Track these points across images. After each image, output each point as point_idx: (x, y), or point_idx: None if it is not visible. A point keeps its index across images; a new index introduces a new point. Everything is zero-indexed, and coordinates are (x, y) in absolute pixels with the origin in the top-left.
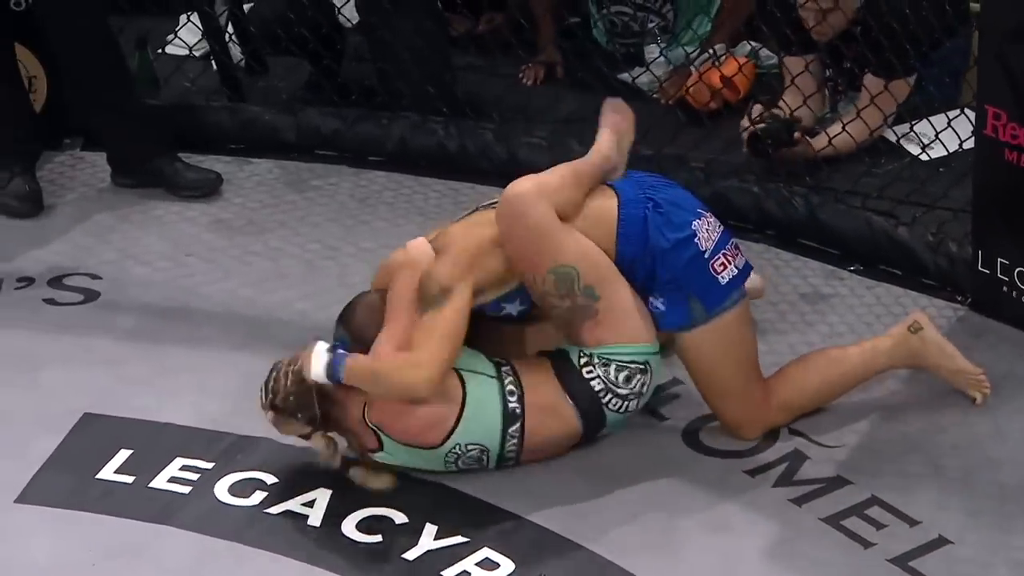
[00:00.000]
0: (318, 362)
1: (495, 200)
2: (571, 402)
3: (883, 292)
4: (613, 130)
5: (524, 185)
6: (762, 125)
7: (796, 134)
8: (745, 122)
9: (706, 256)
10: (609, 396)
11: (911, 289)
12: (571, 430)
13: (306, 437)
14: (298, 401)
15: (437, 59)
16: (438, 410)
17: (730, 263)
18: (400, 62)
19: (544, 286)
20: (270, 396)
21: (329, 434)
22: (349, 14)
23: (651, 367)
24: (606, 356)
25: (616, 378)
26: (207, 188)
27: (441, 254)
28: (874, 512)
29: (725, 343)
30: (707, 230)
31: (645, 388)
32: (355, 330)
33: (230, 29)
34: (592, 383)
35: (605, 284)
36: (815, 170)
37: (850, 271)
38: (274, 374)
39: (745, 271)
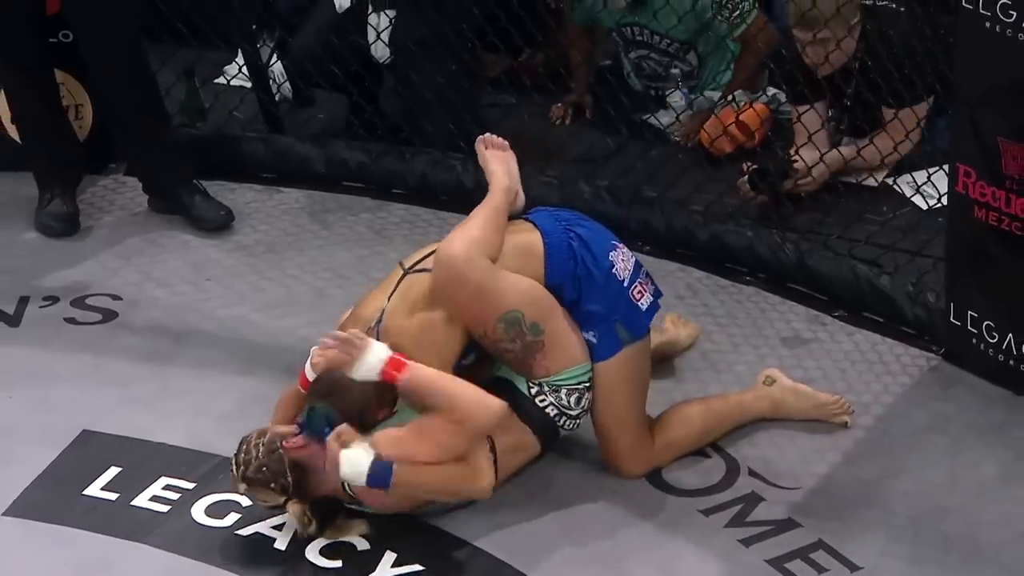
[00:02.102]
0: (357, 467)
1: (420, 262)
2: (532, 432)
3: (862, 339)
4: (497, 161)
5: (455, 247)
6: (755, 166)
7: (793, 170)
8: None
9: (625, 284)
10: (563, 419)
11: (889, 337)
12: (533, 455)
13: (280, 507)
14: (271, 471)
15: (459, 99)
16: (418, 501)
17: (645, 291)
18: (423, 101)
19: (495, 335)
20: (241, 468)
21: (302, 503)
22: (383, 51)
23: (591, 383)
24: (556, 383)
25: (568, 401)
26: (216, 224)
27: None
28: (818, 556)
29: (634, 371)
30: (623, 260)
31: (588, 404)
32: (349, 413)
33: (276, 62)
34: (547, 410)
35: (547, 317)
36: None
37: (833, 317)
38: (244, 446)
39: (656, 299)
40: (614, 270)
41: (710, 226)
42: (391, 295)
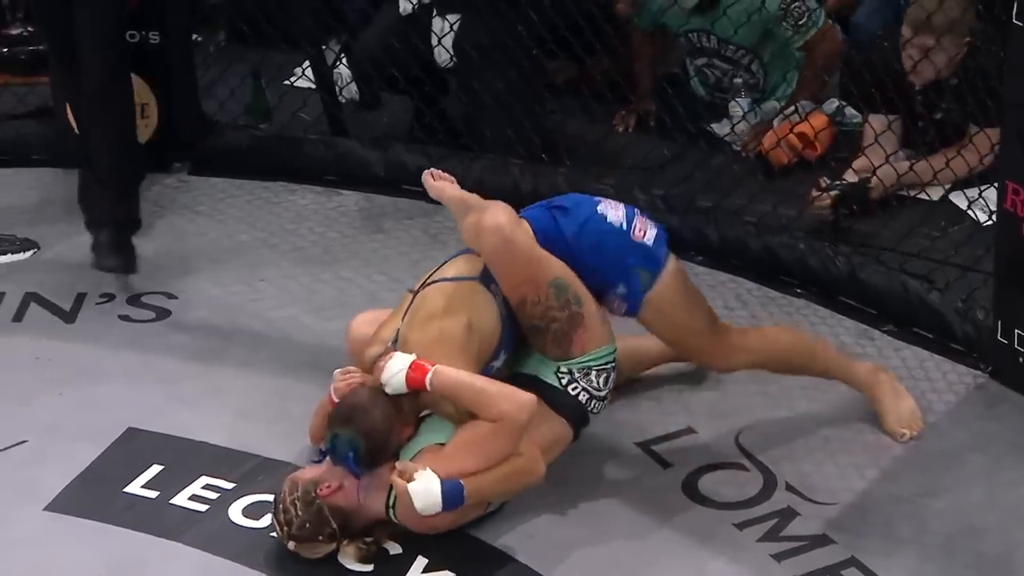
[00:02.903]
0: (429, 496)
1: (427, 280)
2: (567, 423)
3: (910, 355)
4: (449, 188)
5: (500, 216)
6: (835, 192)
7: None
8: (816, 193)
9: (624, 228)
10: (593, 402)
11: (937, 353)
12: (566, 445)
13: (335, 552)
14: (314, 525)
15: (519, 105)
16: (468, 515)
17: (646, 227)
18: (483, 106)
19: (548, 300)
20: (286, 528)
21: (354, 541)
22: (445, 56)
23: (616, 363)
24: (587, 365)
25: (598, 383)
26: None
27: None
28: (849, 573)
29: (677, 292)
30: (612, 209)
31: (612, 384)
32: (373, 436)
33: (344, 65)
34: (579, 397)
35: (581, 291)
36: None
37: (882, 331)
38: (280, 505)
39: (662, 230)
40: (608, 219)
41: (763, 237)
42: (404, 315)
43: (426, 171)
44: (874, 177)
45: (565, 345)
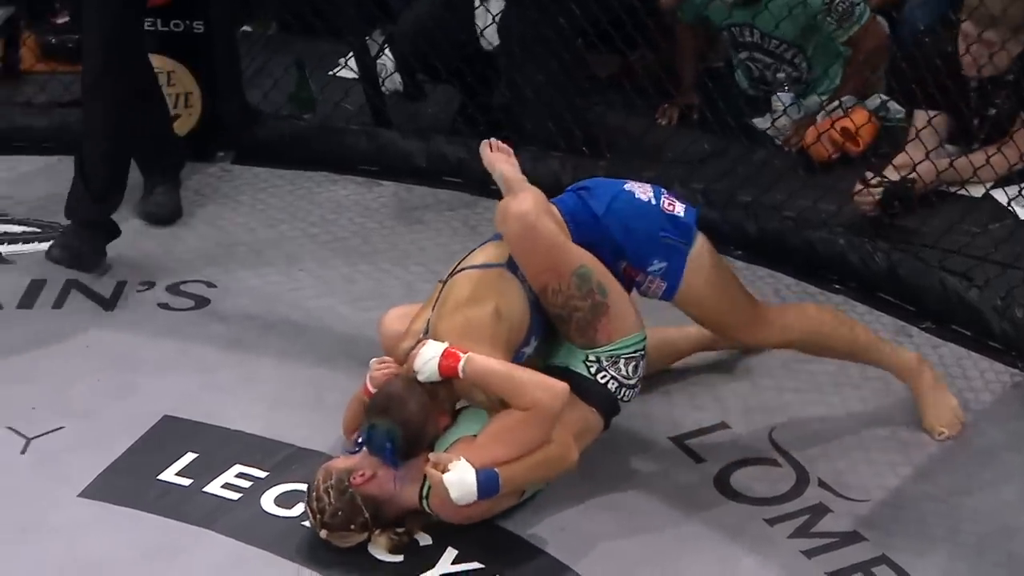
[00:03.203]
0: (464, 485)
1: (455, 269)
2: (597, 412)
3: (947, 352)
4: (507, 164)
5: (525, 203)
6: (879, 189)
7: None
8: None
9: (653, 203)
10: (623, 391)
11: (975, 351)
12: (597, 434)
13: (366, 542)
14: (347, 513)
15: (560, 97)
16: (501, 505)
17: (675, 202)
18: (524, 98)
19: (570, 290)
20: (319, 516)
21: (386, 531)
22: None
23: (645, 351)
24: (615, 353)
25: (627, 371)
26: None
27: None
28: (880, 571)
29: (711, 263)
30: (639, 188)
31: (641, 372)
32: (410, 426)
33: (387, 56)
34: (608, 385)
35: (609, 281)
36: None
37: (921, 328)
38: (314, 493)
39: (689, 206)
40: (636, 196)
41: (802, 232)
42: (434, 306)
43: (485, 140)
44: (914, 173)
45: (590, 334)
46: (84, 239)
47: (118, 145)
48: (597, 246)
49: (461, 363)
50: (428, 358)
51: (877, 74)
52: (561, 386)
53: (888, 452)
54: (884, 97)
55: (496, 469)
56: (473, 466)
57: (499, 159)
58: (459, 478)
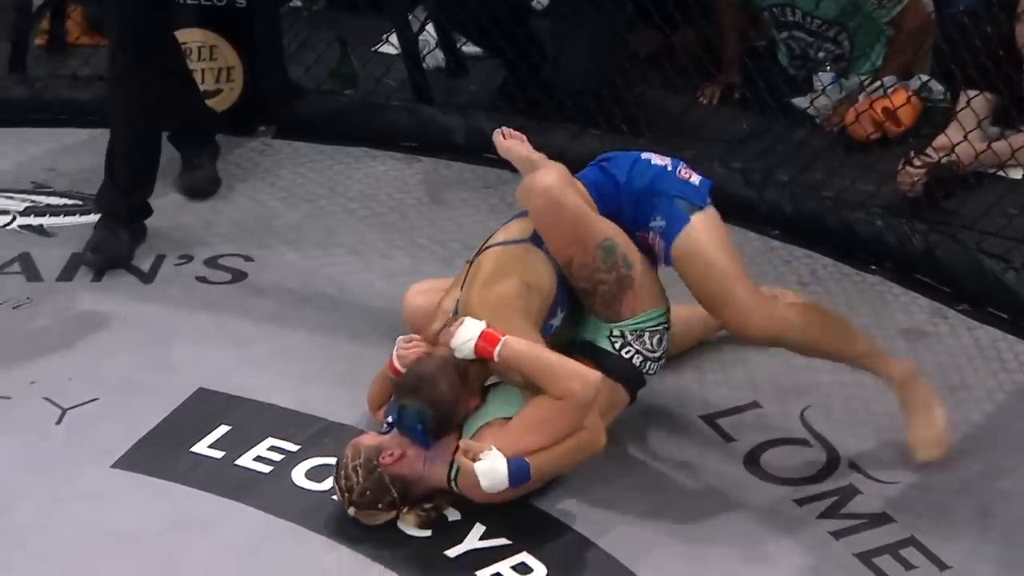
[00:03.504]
0: (495, 474)
1: (485, 244)
2: (623, 387)
3: (983, 335)
4: (524, 147)
5: (549, 177)
6: (922, 170)
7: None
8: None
9: (669, 169)
10: (648, 364)
11: (1012, 334)
12: (623, 407)
13: (394, 520)
14: (375, 493)
15: (601, 74)
16: (530, 486)
17: (691, 172)
18: (567, 66)
19: (595, 263)
20: (347, 495)
21: (414, 508)
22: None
23: (669, 324)
24: (639, 327)
25: (652, 344)
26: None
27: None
28: (908, 552)
29: (715, 234)
30: (656, 156)
31: (668, 344)
32: (441, 406)
33: (430, 32)
34: (633, 359)
35: (631, 251)
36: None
37: (957, 311)
38: (342, 471)
39: (705, 179)
40: (652, 162)
41: (840, 213)
42: (463, 285)
43: (497, 129)
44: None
45: (615, 307)
46: (114, 233)
47: (143, 140)
48: (619, 214)
49: (498, 347)
50: (466, 338)
51: (921, 54)
52: (595, 375)
53: None
54: (926, 77)
55: (527, 459)
56: (504, 455)
57: (514, 144)
58: (491, 467)
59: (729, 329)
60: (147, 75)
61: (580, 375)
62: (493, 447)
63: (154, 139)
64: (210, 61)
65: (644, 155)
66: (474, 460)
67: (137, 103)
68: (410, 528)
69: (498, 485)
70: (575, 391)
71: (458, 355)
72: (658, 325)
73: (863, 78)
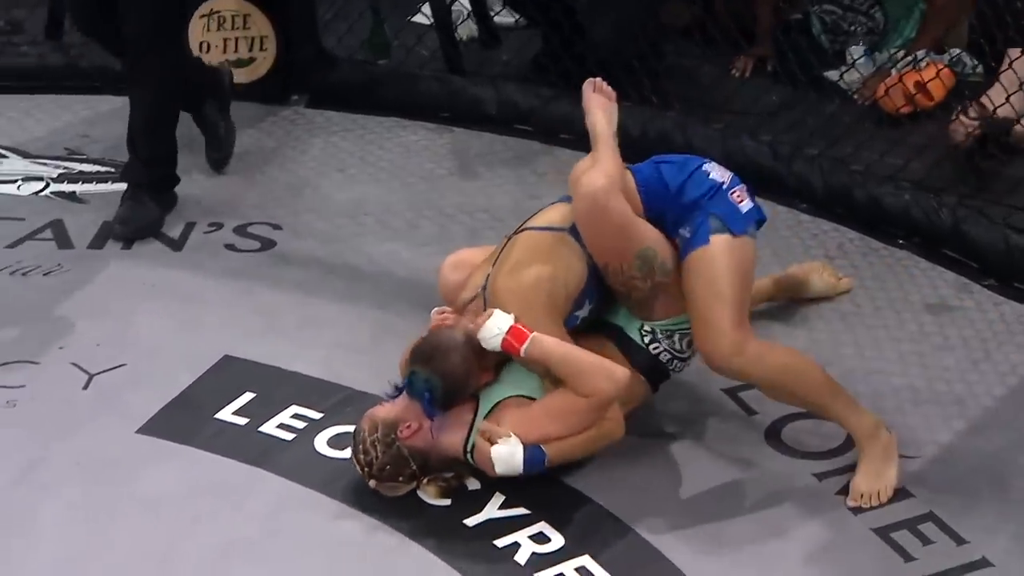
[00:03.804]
0: (511, 461)
1: (524, 224)
2: (643, 379)
3: (1008, 310)
4: (601, 109)
5: (598, 181)
6: (976, 121)
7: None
8: (958, 128)
9: (724, 187)
10: (675, 362)
11: None
12: (644, 400)
13: (414, 491)
14: (395, 466)
15: (630, 47)
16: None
17: (745, 197)
18: (596, 46)
19: (631, 271)
20: (366, 469)
21: (434, 480)
22: None
23: None
24: (670, 328)
25: (681, 346)
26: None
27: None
28: (926, 527)
29: (738, 259)
30: (718, 170)
31: (695, 347)
32: (451, 378)
33: (463, 2)
34: (660, 356)
35: (669, 257)
36: None
37: (982, 285)
38: (360, 446)
39: (758, 210)
40: (711, 175)
41: (868, 186)
42: (496, 261)
43: (591, 79)
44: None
45: (647, 310)
46: (141, 203)
47: (161, 110)
48: (663, 218)
49: (525, 344)
50: (494, 332)
51: (956, 27)
52: (623, 372)
53: (943, 406)
54: (957, 51)
55: (544, 448)
56: (523, 442)
57: (596, 104)
58: (508, 453)
59: (699, 349)
60: (166, 60)
61: (607, 373)
62: (512, 434)
63: (171, 109)
64: (243, 30)
65: (705, 166)
66: (491, 443)
67: (153, 74)
68: (431, 498)
69: (512, 471)
70: (602, 390)
71: (485, 346)
72: (689, 329)
73: (895, 51)
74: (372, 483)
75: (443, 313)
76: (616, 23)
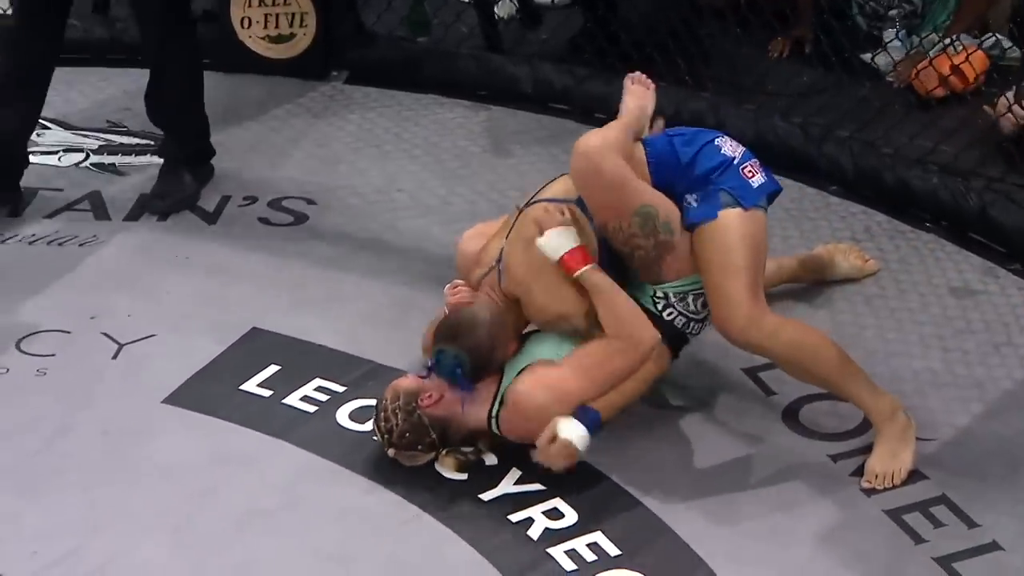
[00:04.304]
0: (577, 433)
1: (534, 196)
2: (666, 346)
3: None
4: (635, 97)
5: (592, 140)
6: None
7: None
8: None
9: (735, 162)
10: (692, 325)
11: None
12: (665, 366)
13: (433, 461)
14: (414, 435)
15: (665, 27)
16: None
17: (756, 172)
18: (631, 26)
19: (630, 229)
20: (387, 437)
21: (452, 451)
22: None
23: None
24: (682, 290)
25: (696, 307)
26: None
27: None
28: (938, 510)
29: (750, 231)
30: (730, 144)
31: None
32: (477, 352)
33: None
34: (675, 321)
35: (673, 218)
36: None
37: (1008, 270)
38: (382, 413)
39: (771, 183)
40: (722, 150)
41: (897, 169)
42: (508, 234)
43: (631, 74)
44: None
45: (655, 271)
46: (177, 177)
47: (191, 85)
48: (672, 189)
49: (583, 269)
50: (555, 246)
51: (999, 10)
52: (657, 334)
53: (961, 388)
54: (997, 36)
55: (595, 408)
56: (573, 413)
57: (631, 93)
58: (577, 435)
59: (713, 321)
60: (176, 57)
61: (648, 325)
62: (560, 422)
63: (198, 82)
64: (284, 6)
65: (717, 140)
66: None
67: (183, 53)
68: (448, 471)
69: (587, 441)
70: (642, 338)
71: (540, 252)
72: (703, 289)
73: (927, 35)
74: (391, 451)
75: (456, 288)
76: (650, 2)
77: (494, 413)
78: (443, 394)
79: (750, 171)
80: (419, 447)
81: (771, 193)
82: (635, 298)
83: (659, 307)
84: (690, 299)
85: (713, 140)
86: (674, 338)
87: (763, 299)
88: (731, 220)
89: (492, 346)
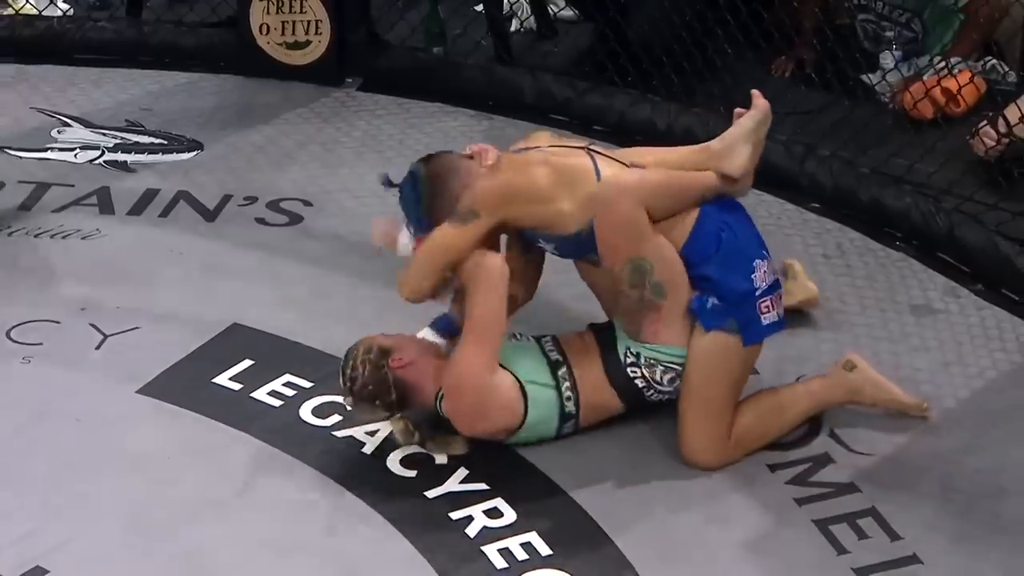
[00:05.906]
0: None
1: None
2: (618, 396)
3: (990, 315)
4: (745, 118)
5: (628, 177)
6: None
7: None
8: (979, 145)
9: (757, 294)
10: (651, 392)
11: (1018, 316)
12: (614, 414)
13: (383, 420)
14: (376, 390)
15: (661, 43)
16: (505, 421)
17: (773, 309)
18: (627, 43)
19: (619, 274)
20: (348, 384)
21: (405, 418)
22: None
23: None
24: (654, 357)
25: (661, 379)
26: None
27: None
28: (865, 522)
29: (737, 362)
30: (764, 272)
31: (679, 385)
32: (435, 175)
33: None
34: (636, 381)
35: (674, 287)
36: None
37: (970, 290)
38: (351, 361)
39: (781, 323)
40: (753, 276)
41: (872, 188)
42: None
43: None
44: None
45: (635, 324)
46: None
47: None
48: (698, 265)
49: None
50: (405, 243)
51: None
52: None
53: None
54: (993, 61)
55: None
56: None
57: (751, 113)
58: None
59: (678, 445)
60: None
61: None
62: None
63: None
64: (300, 13)
65: (756, 262)
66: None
67: None
68: (396, 433)
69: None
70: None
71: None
72: (675, 364)
73: (923, 60)
74: (349, 401)
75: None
76: (648, 18)
77: (438, 397)
78: (415, 359)
79: (766, 307)
80: (376, 402)
81: (773, 333)
82: (611, 343)
83: (627, 362)
84: (659, 370)
85: (757, 257)
86: (630, 397)
87: (728, 429)
88: (727, 350)
89: (449, 182)
